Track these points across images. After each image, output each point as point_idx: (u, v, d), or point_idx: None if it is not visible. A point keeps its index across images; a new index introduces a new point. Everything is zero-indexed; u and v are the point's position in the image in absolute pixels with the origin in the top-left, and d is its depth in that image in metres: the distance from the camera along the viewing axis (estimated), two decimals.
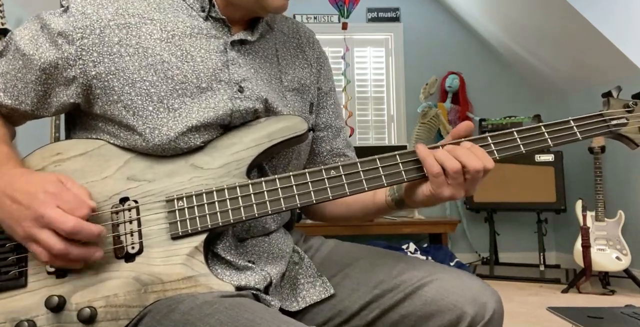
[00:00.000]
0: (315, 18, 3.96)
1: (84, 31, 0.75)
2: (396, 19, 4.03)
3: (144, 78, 0.75)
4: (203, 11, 0.81)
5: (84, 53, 0.75)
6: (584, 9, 2.89)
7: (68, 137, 0.85)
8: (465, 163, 0.71)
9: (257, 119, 0.79)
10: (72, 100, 0.77)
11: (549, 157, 3.27)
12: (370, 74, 4.06)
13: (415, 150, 0.75)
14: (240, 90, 0.79)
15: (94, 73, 0.75)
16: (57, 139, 2.44)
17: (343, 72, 3.76)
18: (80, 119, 0.82)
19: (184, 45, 0.78)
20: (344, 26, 3.56)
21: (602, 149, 3.04)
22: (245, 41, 0.83)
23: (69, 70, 0.76)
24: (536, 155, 3.29)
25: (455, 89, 3.87)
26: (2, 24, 2.18)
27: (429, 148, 0.75)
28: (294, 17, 3.89)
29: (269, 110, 0.81)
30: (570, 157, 3.41)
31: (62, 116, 0.87)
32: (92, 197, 0.72)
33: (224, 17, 0.81)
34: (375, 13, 4.03)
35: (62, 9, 0.78)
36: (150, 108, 0.74)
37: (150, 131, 0.74)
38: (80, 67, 0.75)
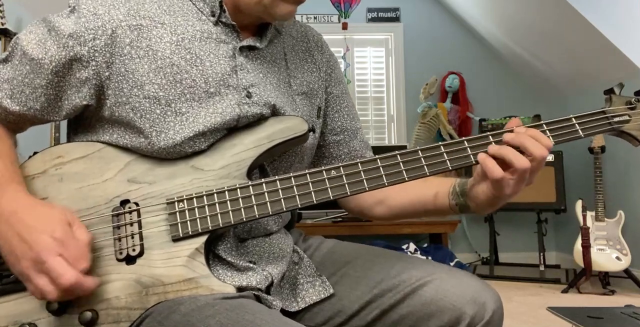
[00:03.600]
0: (315, 18, 3.95)
1: (96, 32, 0.75)
2: (396, 19, 4.03)
3: (153, 81, 0.75)
4: (213, 16, 0.81)
5: (96, 54, 0.74)
6: (584, 9, 2.88)
7: (70, 138, 0.84)
8: (533, 153, 0.70)
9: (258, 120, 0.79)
10: (84, 102, 0.77)
11: (549, 157, 3.25)
12: (370, 74, 4.06)
13: (417, 149, 0.75)
14: (248, 95, 0.78)
15: (107, 74, 0.75)
16: (57, 140, 2.44)
17: (343, 72, 3.75)
18: (84, 121, 0.81)
19: (193, 49, 0.77)
20: (344, 26, 3.55)
21: (602, 149, 3.04)
22: (253, 47, 0.82)
23: (82, 71, 0.75)
24: None
25: (455, 89, 3.87)
26: (2, 24, 2.18)
27: (483, 142, 0.73)
28: (294, 17, 3.88)
29: (276, 116, 0.81)
30: (570, 157, 3.40)
31: None
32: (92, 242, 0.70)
33: (233, 22, 0.81)
34: (375, 13, 4.02)
35: (69, 9, 0.77)
36: (158, 111, 0.74)
37: (156, 134, 0.74)
38: (93, 68, 0.75)
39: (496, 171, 0.71)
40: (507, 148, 0.72)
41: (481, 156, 0.73)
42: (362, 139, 0.98)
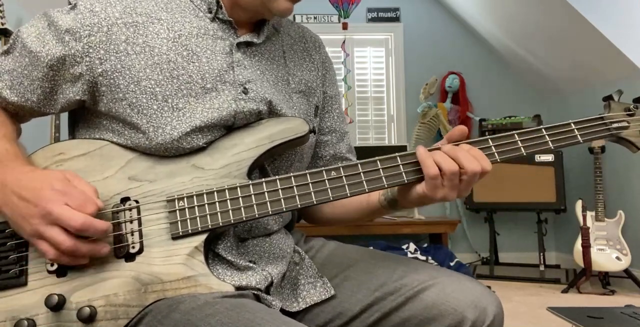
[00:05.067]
0: (315, 18, 3.96)
1: (91, 29, 0.76)
2: (396, 19, 4.03)
3: (150, 77, 0.75)
4: (210, 12, 0.81)
5: (90, 50, 0.75)
6: (585, 9, 2.89)
7: (71, 135, 0.85)
8: (463, 165, 0.72)
9: (259, 120, 0.79)
10: (78, 97, 0.78)
11: (549, 157, 3.27)
12: (370, 74, 4.06)
13: (415, 152, 0.75)
14: (245, 91, 0.79)
15: (100, 70, 0.75)
16: (57, 139, 2.44)
17: (344, 77, 3.76)
18: (84, 117, 0.82)
19: (190, 46, 0.78)
20: (344, 26, 3.56)
21: (602, 149, 3.04)
22: (251, 43, 0.83)
23: (75, 67, 0.76)
24: (536, 155, 3.29)
25: (455, 89, 3.87)
26: (2, 24, 2.18)
27: (429, 150, 0.75)
28: (294, 17, 3.88)
29: (273, 112, 0.81)
30: (570, 157, 3.41)
31: (64, 116, 0.87)
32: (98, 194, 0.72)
33: (230, 18, 0.81)
34: (375, 13, 4.03)
35: (70, 6, 0.79)
36: (155, 107, 0.74)
37: (153, 130, 0.74)
38: (86, 64, 0.75)
39: (433, 168, 0.72)
40: (439, 152, 0.73)
41: (423, 154, 0.74)
42: (347, 143, 0.99)
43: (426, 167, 0.73)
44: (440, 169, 0.72)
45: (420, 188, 0.75)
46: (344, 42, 3.74)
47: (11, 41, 0.80)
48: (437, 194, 0.73)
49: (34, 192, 0.67)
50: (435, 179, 0.72)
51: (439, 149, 0.75)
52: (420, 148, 0.75)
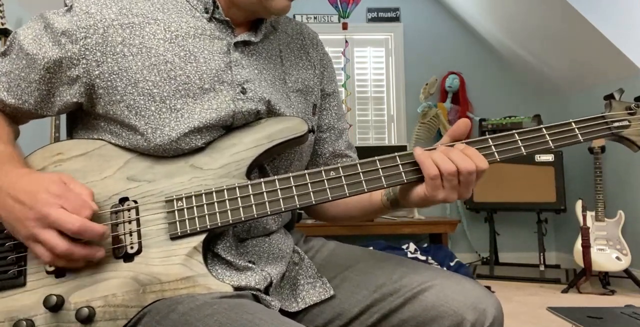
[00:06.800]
0: (315, 18, 3.96)
1: (87, 31, 0.75)
2: (396, 19, 4.03)
3: (147, 78, 0.75)
4: (206, 12, 0.81)
5: (87, 52, 0.75)
6: (585, 9, 2.89)
7: (70, 136, 0.85)
8: (457, 164, 0.71)
9: (258, 120, 0.79)
10: (75, 100, 0.77)
11: (549, 157, 3.27)
12: (370, 74, 4.06)
13: (413, 152, 0.75)
14: (243, 91, 0.78)
15: (97, 72, 0.75)
16: (57, 139, 2.44)
17: (343, 84, 3.76)
18: (82, 119, 0.82)
19: (187, 46, 0.77)
20: (344, 26, 3.56)
21: (602, 149, 3.04)
22: (248, 42, 0.83)
23: (72, 69, 0.76)
24: (536, 155, 3.29)
25: (455, 89, 3.87)
26: (2, 24, 2.18)
27: (426, 150, 0.75)
28: (294, 17, 3.89)
29: (271, 112, 0.81)
30: (570, 157, 3.40)
31: (63, 116, 0.87)
32: (94, 196, 0.72)
33: (227, 18, 0.81)
34: (375, 13, 4.03)
35: (66, 8, 0.78)
36: (153, 108, 0.74)
37: (152, 131, 0.74)
38: (83, 66, 0.75)
39: (432, 168, 0.72)
40: (437, 152, 0.73)
41: (422, 155, 0.73)
42: (346, 140, 0.99)
43: (426, 168, 0.72)
44: (438, 169, 0.72)
45: (421, 190, 0.75)
46: (344, 48, 3.74)
47: (8, 43, 0.80)
48: (437, 195, 0.73)
49: (30, 195, 0.67)
50: (435, 179, 0.72)
51: (435, 149, 0.75)
52: (418, 149, 0.75)
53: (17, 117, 0.83)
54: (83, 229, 0.65)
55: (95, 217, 0.71)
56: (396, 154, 0.76)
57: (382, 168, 0.75)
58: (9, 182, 0.70)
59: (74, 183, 0.71)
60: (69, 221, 0.65)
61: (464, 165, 0.71)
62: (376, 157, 0.76)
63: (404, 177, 0.75)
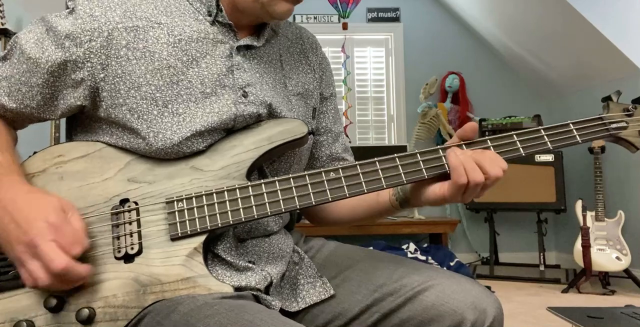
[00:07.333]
0: (315, 18, 3.96)
1: (92, 34, 0.75)
2: (396, 19, 4.03)
3: (150, 82, 0.75)
4: (210, 15, 0.81)
5: (92, 56, 0.75)
6: (584, 9, 2.89)
7: (69, 138, 0.85)
8: (487, 171, 0.72)
9: (258, 122, 0.79)
10: (79, 103, 0.77)
11: (549, 157, 3.27)
12: (370, 74, 4.06)
13: (416, 152, 0.75)
14: (245, 95, 0.79)
15: (102, 76, 0.75)
16: (57, 139, 2.44)
17: (343, 79, 3.76)
18: (82, 121, 0.82)
19: (190, 51, 0.78)
20: (344, 26, 3.56)
21: (602, 149, 3.05)
22: (251, 46, 0.83)
23: (77, 72, 0.76)
24: (536, 155, 3.29)
25: (455, 89, 3.87)
26: (2, 24, 2.18)
27: (454, 146, 0.75)
28: (294, 17, 3.89)
29: (272, 115, 0.81)
30: (570, 157, 3.41)
31: None
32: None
33: (230, 22, 0.81)
34: (375, 13, 4.03)
35: (68, 11, 0.78)
36: (155, 112, 0.74)
37: (154, 135, 0.74)
38: (88, 69, 0.75)
39: (464, 177, 0.72)
40: (470, 162, 0.73)
41: (455, 160, 0.74)
42: (343, 143, 0.99)
43: (457, 176, 0.73)
44: (467, 178, 0.72)
45: (440, 191, 0.75)
46: (343, 44, 3.74)
47: (9, 47, 0.79)
48: (457, 199, 0.74)
49: (27, 220, 0.66)
50: (462, 187, 0.73)
51: (462, 146, 0.76)
52: (452, 154, 0.74)
53: (17, 121, 0.83)
54: (66, 270, 0.64)
55: (94, 219, 0.71)
56: (396, 154, 0.76)
57: (381, 169, 0.75)
58: (10, 198, 0.69)
59: (72, 213, 0.69)
60: (55, 259, 0.64)
61: (494, 171, 0.72)
62: (376, 158, 0.76)
63: (404, 178, 0.75)
